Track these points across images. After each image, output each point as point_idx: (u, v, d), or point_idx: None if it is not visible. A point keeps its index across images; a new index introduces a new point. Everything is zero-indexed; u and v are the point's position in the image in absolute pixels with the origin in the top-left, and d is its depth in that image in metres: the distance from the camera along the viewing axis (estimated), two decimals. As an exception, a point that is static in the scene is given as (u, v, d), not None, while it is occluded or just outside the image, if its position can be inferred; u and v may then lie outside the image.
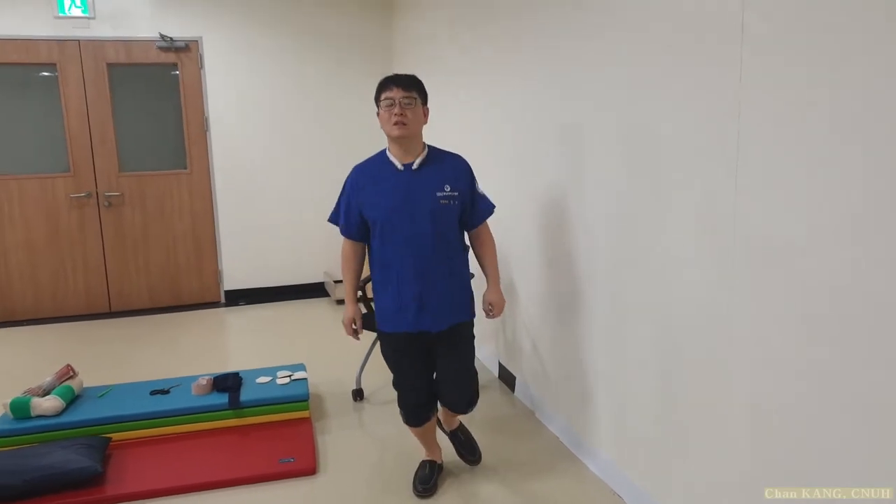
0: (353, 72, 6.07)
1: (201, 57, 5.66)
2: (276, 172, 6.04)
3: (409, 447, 3.23)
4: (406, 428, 3.25)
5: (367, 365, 3.89)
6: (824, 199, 1.67)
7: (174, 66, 5.65)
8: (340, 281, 6.07)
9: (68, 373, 3.50)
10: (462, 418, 3.11)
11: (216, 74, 5.73)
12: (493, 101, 3.86)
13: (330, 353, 4.63)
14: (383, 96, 2.58)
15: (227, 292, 6.09)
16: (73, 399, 3.40)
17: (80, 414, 3.28)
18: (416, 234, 2.57)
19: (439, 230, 2.60)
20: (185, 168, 5.82)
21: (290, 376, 3.67)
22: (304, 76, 5.97)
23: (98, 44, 5.42)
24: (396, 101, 2.54)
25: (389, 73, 2.68)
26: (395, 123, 2.53)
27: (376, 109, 2.64)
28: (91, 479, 2.85)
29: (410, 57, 5.60)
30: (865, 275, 1.59)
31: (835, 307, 1.68)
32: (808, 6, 1.67)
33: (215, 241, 5.99)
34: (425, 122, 2.66)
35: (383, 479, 2.99)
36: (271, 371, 3.76)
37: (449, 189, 2.61)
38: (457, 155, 2.74)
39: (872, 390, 1.60)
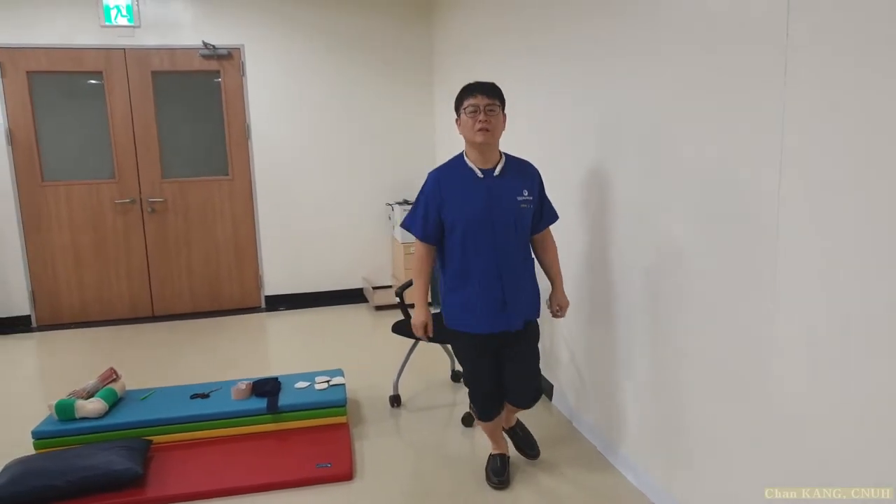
0: (392, 79, 6.10)
1: (243, 65, 5.74)
2: (316, 179, 6.08)
3: (446, 454, 3.21)
4: (443, 435, 3.24)
5: (404, 371, 3.87)
6: (872, 206, 1.60)
7: (216, 73, 5.74)
8: (379, 287, 6.15)
9: (111, 376, 3.55)
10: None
11: (257, 82, 5.80)
12: (531, 106, 3.82)
13: (368, 359, 4.63)
14: (467, 103, 2.63)
15: (268, 297, 6.14)
16: (115, 402, 3.45)
17: (123, 416, 3.33)
18: (499, 238, 2.65)
19: (520, 233, 2.70)
20: (227, 174, 5.90)
21: (328, 382, 3.67)
22: (344, 83, 6.00)
23: (143, 52, 5.54)
24: (481, 108, 2.59)
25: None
26: (480, 130, 2.58)
27: (456, 116, 2.70)
28: (132, 481, 2.88)
29: (450, 62, 5.59)
30: (872, 278, 1.57)
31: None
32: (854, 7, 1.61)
33: (256, 247, 6.06)
34: (503, 129, 2.70)
35: (420, 486, 2.96)
36: (309, 376, 3.77)
37: (527, 194, 2.70)
38: (528, 161, 2.82)
39: (873, 390, 1.58)
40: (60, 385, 3.96)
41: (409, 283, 4.03)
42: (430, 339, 2.94)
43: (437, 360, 4.31)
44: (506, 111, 2.71)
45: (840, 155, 1.70)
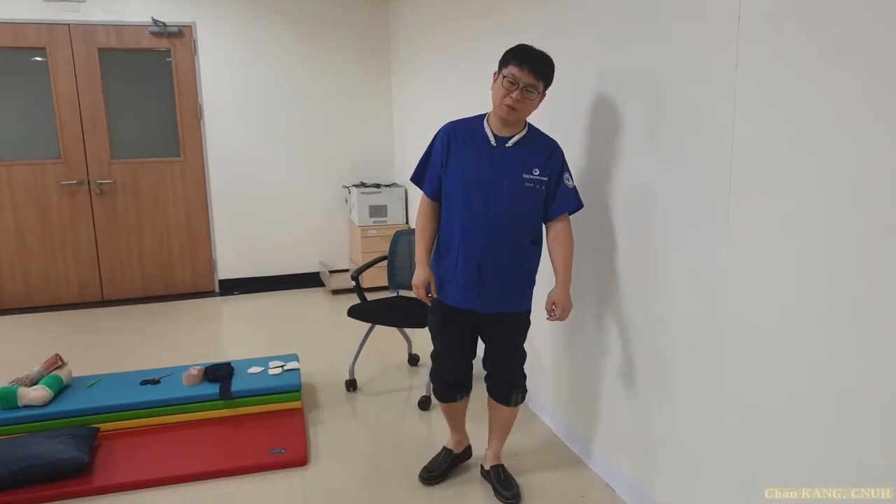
0: (348, 59, 6.00)
1: (195, 43, 5.58)
2: (271, 161, 5.97)
3: (402, 438, 3.20)
4: (399, 418, 3.21)
5: (360, 355, 3.84)
6: (825, 193, 1.62)
7: (167, 51, 5.57)
8: (336, 271, 6.08)
9: (56, 362, 3.44)
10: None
11: (210, 61, 5.64)
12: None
13: (324, 344, 4.58)
14: (508, 70, 2.35)
15: (221, 281, 6.03)
16: (61, 389, 3.34)
17: (69, 404, 3.23)
18: (490, 214, 2.43)
19: (516, 212, 2.45)
20: (179, 156, 5.74)
21: (282, 367, 3.61)
22: (299, 63, 5.89)
23: (89, 28, 5.33)
24: (520, 85, 2.33)
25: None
26: (507, 105, 2.36)
27: (496, 70, 2.43)
28: (78, 470, 2.81)
29: (408, 44, 5.52)
30: (865, 275, 1.56)
31: (834, 306, 1.64)
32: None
33: (209, 230, 5.93)
34: (536, 108, 2.45)
35: (375, 470, 2.95)
36: (263, 361, 3.71)
37: (538, 173, 2.45)
38: (553, 140, 2.54)
39: (873, 390, 1.57)
40: (2, 373, 3.82)
41: (366, 267, 4.00)
42: (432, 305, 2.65)
43: (393, 343, 4.29)
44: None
45: (792, 104, 1.72)
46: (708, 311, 2.09)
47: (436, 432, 3.23)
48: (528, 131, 2.49)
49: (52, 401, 3.23)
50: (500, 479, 2.76)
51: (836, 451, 1.68)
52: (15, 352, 4.58)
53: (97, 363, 4.07)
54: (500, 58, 2.41)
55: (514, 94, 2.33)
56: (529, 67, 2.32)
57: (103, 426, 3.19)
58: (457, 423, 2.87)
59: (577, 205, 2.56)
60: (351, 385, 3.78)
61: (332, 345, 4.51)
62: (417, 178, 2.63)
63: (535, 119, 2.55)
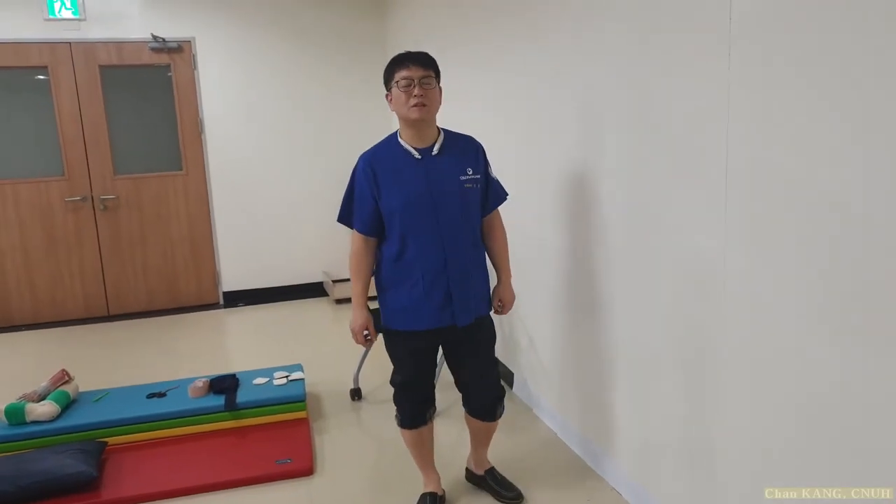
0: (346, 70, 6.03)
1: (194, 57, 5.63)
2: (272, 172, 6.01)
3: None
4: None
5: (364, 364, 3.86)
6: (820, 191, 1.64)
7: (167, 67, 5.62)
8: (339, 280, 6.10)
9: (63, 377, 3.47)
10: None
11: (210, 75, 5.69)
12: (490, 95, 3.82)
13: (328, 353, 4.60)
14: (399, 75, 2.34)
15: (226, 293, 6.06)
16: (68, 404, 3.38)
17: (76, 419, 3.26)
18: (442, 224, 2.38)
19: (466, 217, 2.43)
20: (181, 169, 5.79)
21: (287, 377, 3.64)
22: (299, 75, 5.93)
23: (89, 46, 5.39)
24: (415, 81, 2.31)
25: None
26: (415, 105, 2.31)
27: (385, 92, 2.44)
28: (86, 484, 2.83)
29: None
30: (864, 273, 1.56)
31: (833, 306, 1.64)
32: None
33: (212, 243, 5.97)
34: (440, 103, 2.43)
35: (381, 479, 2.97)
36: (268, 372, 3.74)
37: (471, 172, 2.43)
38: (469, 136, 2.55)
39: (873, 389, 1.57)
40: (11, 389, 3.84)
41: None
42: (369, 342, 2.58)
43: (397, 351, 4.30)
44: (442, 85, 2.45)
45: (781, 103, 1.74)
46: (707, 311, 2.11)
47: (442, 440, 3.23)
48: (445, 135, 2.47)
49: (59, 416, 3.26)
50: (498, 481, 2.78)
51: (836, 451, 1.68)
52: (22, 368, 4.62)
53: (103, 378, 4.10)
54: (384, 77, 2.45)
55: (416, 91, 2.31)
56: (414, 63, 2.34)
57: (111, 440, 3.22)
58: (428, 455, 2.71)
59: (506, 195, 2.61)
60: (356, 394, 3.80)
61: (336, 354, 4.53)
62: (345, 217, 2.53)
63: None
